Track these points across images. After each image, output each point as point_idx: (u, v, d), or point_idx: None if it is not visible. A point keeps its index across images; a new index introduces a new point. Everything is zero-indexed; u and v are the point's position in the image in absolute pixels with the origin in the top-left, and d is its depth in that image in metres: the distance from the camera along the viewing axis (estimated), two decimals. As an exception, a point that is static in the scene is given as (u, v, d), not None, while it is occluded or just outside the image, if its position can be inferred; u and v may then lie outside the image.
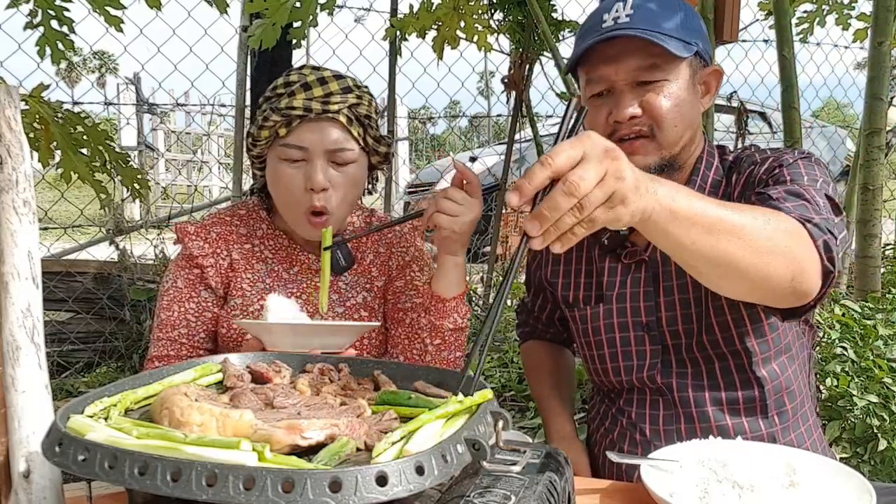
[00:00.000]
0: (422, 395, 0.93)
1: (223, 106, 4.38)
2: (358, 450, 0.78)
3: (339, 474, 0.63)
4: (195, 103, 6.60)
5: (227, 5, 2.32)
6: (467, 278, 4.69)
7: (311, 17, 2.24)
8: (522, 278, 1.77)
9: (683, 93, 1.28)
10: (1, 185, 0.81)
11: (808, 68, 5.46)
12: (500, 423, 0.81)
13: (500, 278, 4.41)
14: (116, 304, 3.60)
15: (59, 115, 2.19)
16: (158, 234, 4.05)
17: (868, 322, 2.54)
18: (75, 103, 3.64)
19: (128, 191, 2.42)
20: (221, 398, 0.90)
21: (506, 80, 3.58)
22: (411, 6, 2.89)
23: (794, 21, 3.18)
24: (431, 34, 2.94)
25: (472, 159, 6.29)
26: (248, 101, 3.19)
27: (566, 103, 0.90)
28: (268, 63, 2.86)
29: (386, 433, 0.83)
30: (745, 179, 1.31)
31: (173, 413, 0.79)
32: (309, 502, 0.61)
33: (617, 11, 1.26)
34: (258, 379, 1.00)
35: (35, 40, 2.14)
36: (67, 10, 2.13)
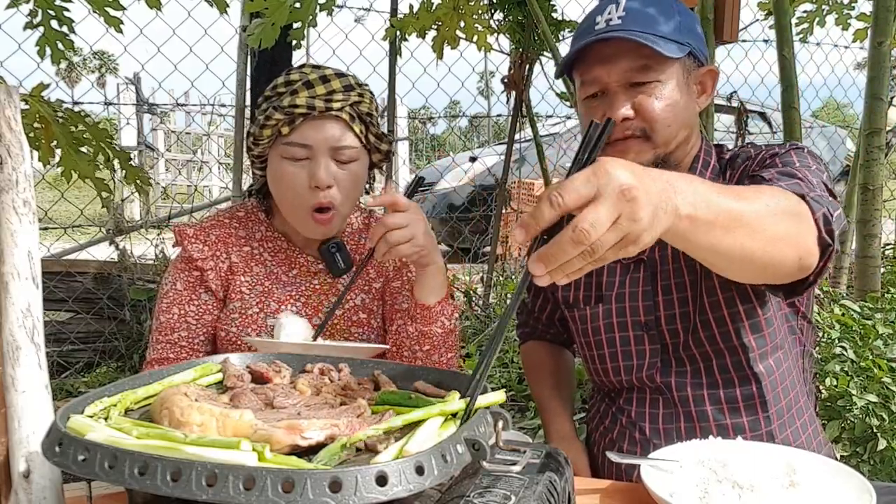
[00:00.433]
0: (422, 395, 0.93)
1: (223, 106, 4.38)
2: (358, 450, 0.78)
3: (339, 474, 0.63)
4: (195, 103, 6.60)
5: (227, 5, 2.32)
6: (467, 278, 4.65)
7: (310, 18, 2.24)
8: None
9: (676, 93, 1.28)
10: (1, 185, 0.81)
11: (808, 68, 5.47)
12: (500, 423, 0.81)
13: (500, 278, 4.41)
14: (116, 304, 3.60)
15: (60, 114, 2.19)
16: (158, 234, 4.05)
17: (867, 322, 2.54)
18: (75, 103, 3.64)
19: (130, 189, 2.42)
20: (221, 398, 0.90)
21: (506, 80, 3.58)
22: (411, 6, 2.89)
23: (794, 21, 3.18)
24: (431, 34, 2.94)
25: (472, 159, 6.29)
26: (248, 101, 3.19)
27: (588, 127, 0.86)
28: (268, 63, 2.86)
29: (386, 433, 0.83)
30: (739, 173, 1.32)
31: (173, 413, 0.79)
32: (309, 502, 0.61)
33: (609, 13, 1.27)
34: (258, 379, 1.00)
35: (35, 40, 2.14)
36: (67, 10, 2.13)
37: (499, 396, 0.85)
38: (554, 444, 1.46)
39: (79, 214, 3.95)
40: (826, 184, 1.19)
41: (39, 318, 0.82)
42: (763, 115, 7.23)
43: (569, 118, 5.37)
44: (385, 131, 1.43)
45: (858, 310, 2.62)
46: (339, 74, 1.37)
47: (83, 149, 2.23)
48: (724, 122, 5.05)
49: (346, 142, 1.35)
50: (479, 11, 2.95)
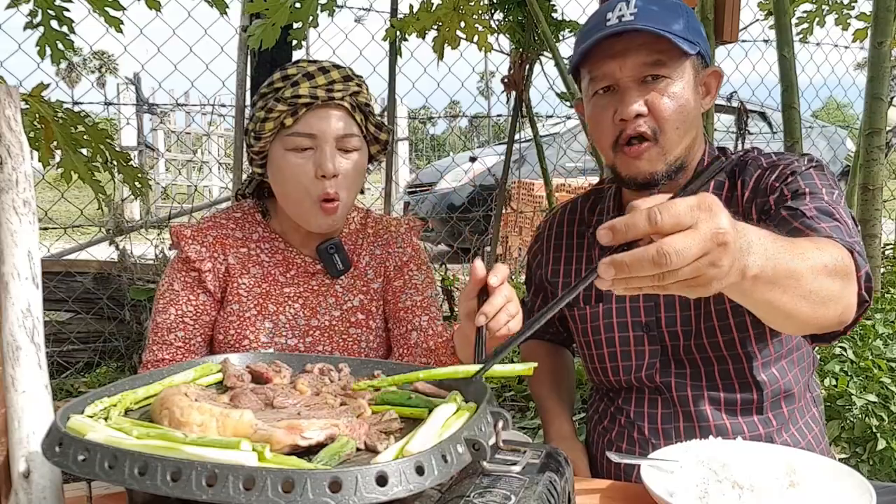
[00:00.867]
0: (422, 395, 0.93)
1: (223, 106, 4.38)
2: (358, 450, 0.78)
3: (339, 474, 0.63)
4: (195, 103, 6.60)
5: (227, 5, 2.32)
6: (467, 278, 4.65)
7: (311, 18, 2.24)
8: (522, 278, 1.77)
9: (686, 93, 1.28)
10: (1, 185, 0.81)
11: (808, 68, 5.47)
12: (500, 423, 0.81)
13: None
14: (116, 304, 3.60)
15: (60, 114, 2.19)
16: (158, 234, 4.05)
17: (867, 322, 2.54)
18: (75, 103, 3.64)
19: (129, 190, 2.42)
20: (221, 398, 0.90)
21: (506, 80, 3.58)
22: (411, 6, 2.89)
23: (794, 21, 3.18)
24: (431, 34, 2.94)
25: (472, 159, 6.29)
26: (248, 101, 3.18)
27: (711, 161, 0.83)
28: (268, 63, 2.86)
29: (386, 433, 0.83)
30: (753, 185, 1.30)
31: (173, 413, 0.79)
32: (309, 502, 0.61)
33: (621, 10, 1.26)
34: (258, 379, 1.00)
35: (35, 40, 2.14)
36: (67, 10, 2.13)
37: (526, 367, 0.90)
38: (554, 444, 1.45)
39: (79, 214, 3.95)
40: (845, 208, 1.21)
41: (39, 318, 0.82)
42: (763, 115, 7.24)
43: (569, 118, 5.38)
44: (383, 121, 1.44)
45: (858, 310, 2.62)
46: (337, 66, 1.39)
47: (83, 150, 2.23)
48: (723, 122, 5.05)
49: (349, 130, 1.36)
50: (480, 11, 2.95)
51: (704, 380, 1.33)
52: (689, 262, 0.73)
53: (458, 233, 5.34)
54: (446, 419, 0.81)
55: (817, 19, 3.40)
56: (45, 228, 4.01)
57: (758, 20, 4.35)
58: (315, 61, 1.39)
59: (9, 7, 2.17)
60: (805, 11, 3.41)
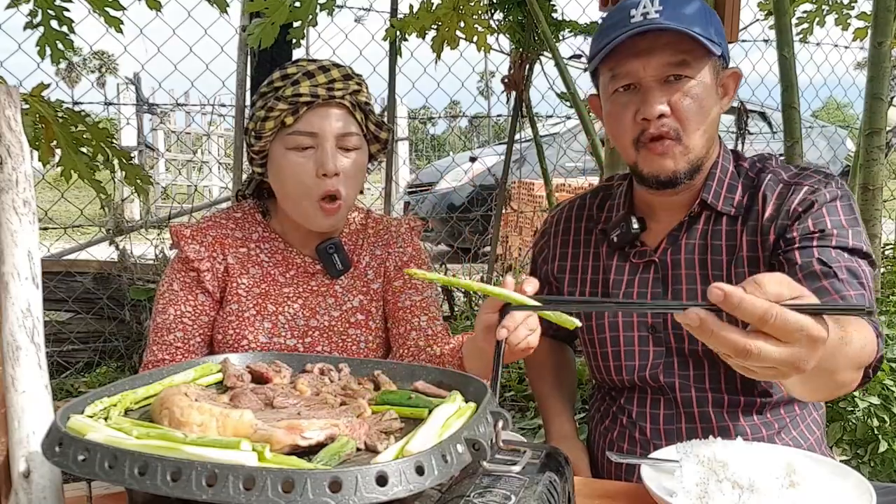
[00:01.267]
0: (422, 395, 0.93)
1: (223, 106, 4.38)
2: (358, 450, 0.78)
3: (339, 474, 0.63)
4: (195, 103, 6.60)
5: (227, 5, 2.32)
6: (467, 278, 4.67)
7: (310, 17, 2.24)
8: (523, 277, 1.76)
9: (708, 94, 1.27)
10: (1, 185, 0.81)
11: (808, 68, 5.47)
12: (500, 423, 0.81)
13: (500, 278, 4.41)
14: (116, 304, 3.60)
15: (60, 114, 2.19)
16: (158, 234, 4.05)
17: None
18: (75, 103, 3.64)
19: (130, 189, 2.42)
20: (221, 398, 0.90)
21: (506, 80, 3.58)
22: (411, 6, 2.89)
23: (794, 21, 3.18)
24: (431, 34, 2.94)
25: (472, 159, 6.29)
26: (248, 101, 3.18)
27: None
28: (268, 63, 2.86)
29: (386, 433, 0.83)
30: (774, 202, 1.28)
31: (173, 413, 0.79)
32: (309, 502, 0.61)
33: (645, 7, 1.24)
34: (258, 379, 1.00)
35: (35, 40, 2.14)
36: (67, 10, 2.13)
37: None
38: (554, 443, 1.45)
39: (79, 214, 3.95)
40: (867, 243, 1.23)
41: (39, 318, 0.82)
42: (763, 115, 7.24)
43: (569, 118, 5.38)
44: (383, 120, 1.45)
45: (859, 310, 2.62)
46: (336, 65, 1.39)
47: (83, 149, 2.22)
48: (724, 122, 5.05)
49: (350, 129, 1.36)
50: (479, 11, 2.95)
51: (709, 381, 1.33)
52: (768, 364, 0.76)
53: (458, 233, 5.34)
54: (446, 419, 0.81)
55: (817, 19, 3.40)
56: (45, 228, 4.01)
57: (758, 20, 4.35)
58: (315, 60, 1.39)
59: (9, 7, 2.17)
60: (805, 11, 3.41)
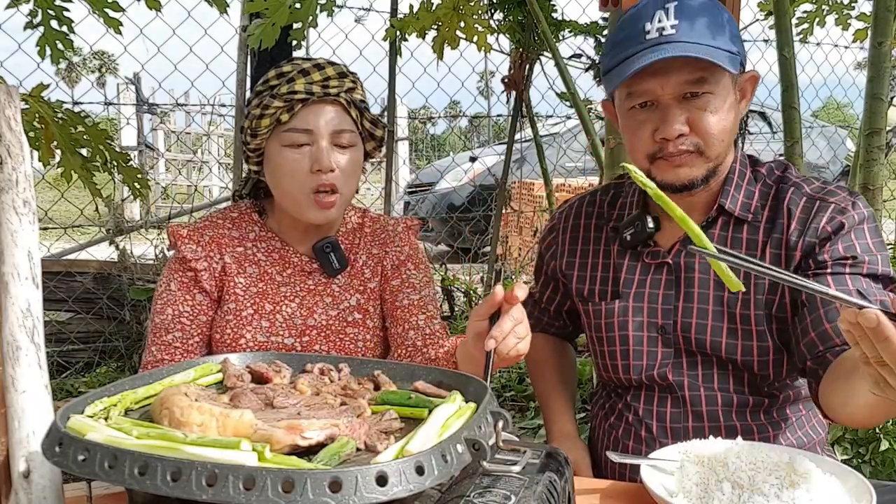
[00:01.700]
0: (422, 395, 0.93)
1: (223, 106, 4.38)
2: (358, 450, 0.78)
3: (339, 474, 0.63)
4: (195, 103, 6.60)
5: (227, 5, 2.32)
6: (467, 278, 4.65)
7: (311, 18, 2.24)
8: (523, 278, 1.75)
9: (727, 104, 1.25)
10: (1, 185, 0.81)
11: (808, 68, 5.46)
12: (500, 423, 0.81)
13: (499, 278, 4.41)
14: (116, 304, 3.60)
15: (60, 114, 2.18)
16: (158, 234, 4.05)
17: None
18: (75, 103, 3.64)
19: (128, 190, 2.42)
20: (221, 398, 0.90)
21: (506, 80, 3.58)
22: (411, 6, 2.89)
23: (794, 21, 3.17)
24: (431, 34, 2.94)
25: (472, 159, 6.29)
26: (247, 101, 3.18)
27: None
28: (268, 63, 2.85)
29: (386, 433, 0.83)
30: (799, 216, 1.27)
31: (173, 413, 0.79)
32: (309, 502, 0.62)
33: (660, 21, 1.21)
34: (258, 379, 1.00)
35: (35, 40, 2.14)
36: (67, 10, 2.13)
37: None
38: (556, 443, 1.45)
39: (79, 214, 3.95)
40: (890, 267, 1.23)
41: (39, 318, 0.82)
42: (763, 115, 7.24)
43: (569, 118, 5.38)
44: (378, 118, 1.45)
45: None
46: (331, 63, 1.40)
47: (83, 150, 2.22)
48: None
49: (345, 126, 1.37)
50: (479, 11, 2.95)
51: (717, 381, 1.32)
52: None
53: (458, 233, 5.34)
54: (446, 419, 0.81)
55: (817, 19, 3.40)
56: (45, 228, 4.01)
57: (758, 20, 4.35)
58: (310, 58, 1.40)
59: (9, 7, 2.17)
60: (805, 11, 3.41)
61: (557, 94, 3.81)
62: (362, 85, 1.43)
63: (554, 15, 3.25)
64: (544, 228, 1.60)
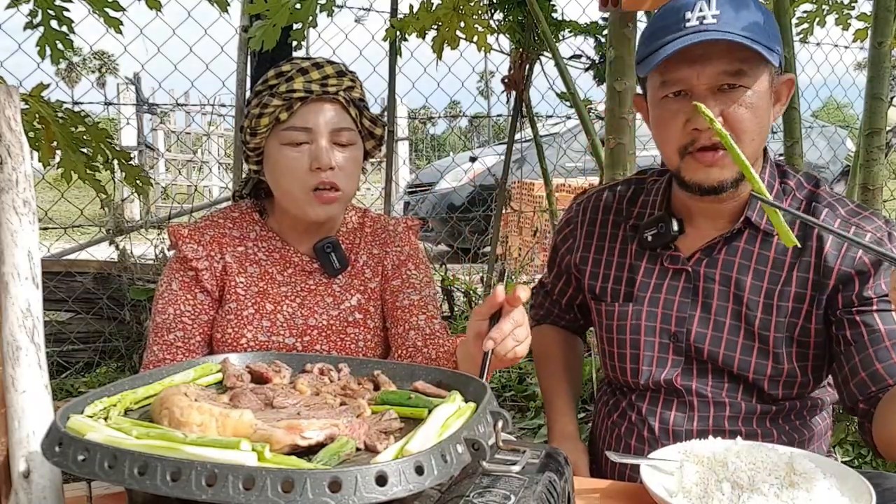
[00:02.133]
0: (422, 395, 0.93)
1: (223, 106, 4.38)
2: (358, 450, 0.78)
3: (339, 474, 0.63)
4: (195, 103, 6.60)
5: (228, 5, 2.32)
6: (467, 278, 4.64)
7: (311, 18, 2.24)
8: (523, 277, 1.75)
9: (762, 102, 1.21)
10: (1, 185, 0.81)
11: (808, 68, 5.46)
12: (500, 423, 0.81)
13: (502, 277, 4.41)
14: (116, 304, 3.60)
15: (60, 114, 2.19)
16: (158, 234, 4.05)
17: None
18: (75, 103, 3.64)
19: (130, 189, 2.42)
20: (221, 398, 0.90)
21: (506, 80, 3.59)
22: (411, 6, 2.89)
23: (794, 21, 3.17)
24: (431, 34, 2.94)
25: (472, 159, 6.29)
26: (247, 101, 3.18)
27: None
28: (268, 63, 2.85)
29: (386, 433, 0.83)
30: (834, 244, 1.23)
31: (173, 413, 0.79)
32: (309, 502, 0.62)
33: (701, 10, 1.17)
34: (258, 379, 1.00)
35: (35, 40, 2.14)
36: (67, 10, 2.13)
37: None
38: (556, 443, 1.44)
39: (79, 214, 3.95)
40: None
41: (39, 318, 0.82)
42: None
43: (569, 118, 5.38)
44: (377, 116, 1.45)
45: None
46: (330, 61, 1.40)
47: (84, 149, 2.22)
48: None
49: (344, 124, 1.37)
50: (479, 11, 2.95)
51: (726, 391, 1.30)
52: None
53: (458, 233, 5.34)
54: (446, 419, 0.81)
55: (817, 19, 3.40)
56: (45, 228, 4.01)
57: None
58: (309, 58, 1.41)
59: (9, 7, 2.17)
60: (805, 11, 3.41)
61: (557, 94, 3.81)
62: (361, 84, 1.44)
63: (554, 15, 3.25)
64: (561, 219, 1.55)
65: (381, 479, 0.64)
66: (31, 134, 2.15)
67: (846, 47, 5.36)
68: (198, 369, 1.00)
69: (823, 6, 3.36)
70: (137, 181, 2.36)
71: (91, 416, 0.81)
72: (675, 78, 1.21)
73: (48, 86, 2.16)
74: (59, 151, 2.20)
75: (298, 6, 2.19)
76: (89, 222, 4.03)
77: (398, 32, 2.95)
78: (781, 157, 2.60)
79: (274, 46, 2.24)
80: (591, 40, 3.37)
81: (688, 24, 1.18)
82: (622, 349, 1.38)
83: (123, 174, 2.36)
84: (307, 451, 0.76)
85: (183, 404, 0.80)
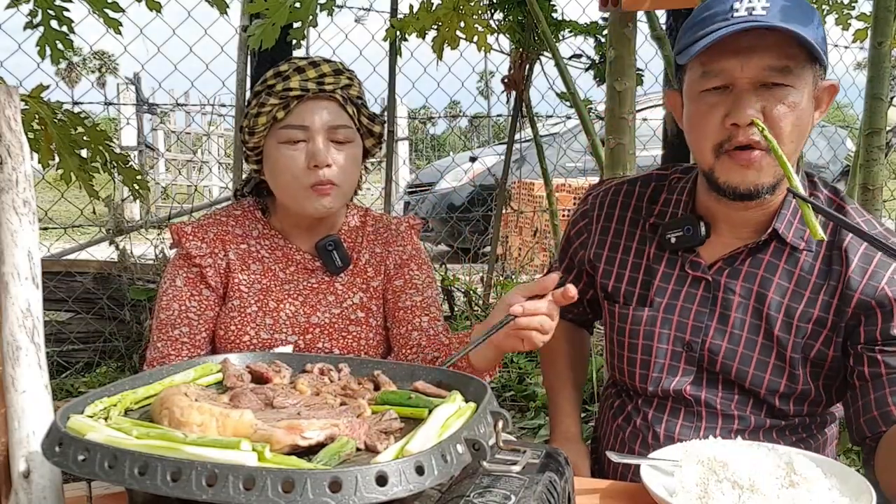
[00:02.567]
0: (422, 395, 0.93)
1: (223, 106, 4.38)
2: (358, 450, 0.78)
3: (339, 474, 0.63)
4: (195, 103, 6.60)
5: (227, 5, 2.32)
6: (467, 278, 4.64)
7: (311, 18, 2.24)
8: (523, 278, 1.74)
9: (805, 104, 1.16)
10: (1, 185, 0.81)
11: (808, 68, 5.46)
12: (500, 423, 0.81)
13: (500, 278, 4.41)
14: (116, 304, 3.60)
15: (59, 115, 2.18)
16: (158, 234, 4.05)
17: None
18: (75, 103, 3.64)
19: (128, 191, 2.42)
20: (221, 398, 0.90)
21: (506, 80, 3.59)
22: (411, 6, 2.89)
23: (793, 21, 3.17)
24: (431, 34, 2.94)
25: (472, 159, 6.29)
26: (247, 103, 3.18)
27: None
28: (268, 63, 2.85)
29: (386, 433, 0.83)
30: (858, 268, 1.19)
31: (173, 413, 0.79)
32: (309, 502, 0.62)
33: (751, 1, 1.12)
34: (258, 379, 1.00)
35: (35, 40, 2.14)
36: (67, 10, 2.13)
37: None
38: (558, 443, 1.42)
39: (79, 214, 3.95)
40: None
41: (39, 318, 0.82)
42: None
43: (569, 118, 5.38)
44: (376, 113, 1.45)
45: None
46: (327, 60, 1.41)
47: (82, 151, 2.22)
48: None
49: (340, 121, 1.37)
50: (479, 11, 2.95)
51: (735, 403, 1.28)
52: None
53: (458, 233, 5.34)
54: (446, 419, 0.81)
55: (817, 19, 3.39)
56: (45, 228, 4.01)
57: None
58: (307, 57, 1.42)
59: (9, 7, 2.17)
60: (805, 11, 3.41)
61: (557, 94, 3.81)
62: (360, 82, 1.44)
63: (554, 15, 3.25)
64: (575, 210, 1.48)
65: (382, 480, 0.64)
66: (31, 135, 2.15)
67: (846, 47, 5.36)
68: (198, 369, 1.01)
69: (823, 6, 3.36)
70: (135, 184, 2.36)
71: (91, 416, 0.81)
72: (718, 69, 1.15)
73: (48, 86, 2.16)
74: (57, 153, 2.20)
75: (298, 5, 2.19)
76: (89, 222, 4.03)
77: (398, 32, 2.95)
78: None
79: (273, 46, 2.24)
80: (591, 40, 3.37)
81: (735, 15, 1.12)
82: (633, 353, 1.34)
83: (122, 177, 2.37)
84: (307, 452, 0.76)
85: (183, 404, 0.80)
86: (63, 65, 2.38)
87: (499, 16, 3.31)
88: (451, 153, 9.95)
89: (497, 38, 3.36)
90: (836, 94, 1.25)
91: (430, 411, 0.84)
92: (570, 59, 3.36)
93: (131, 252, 3.72)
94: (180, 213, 4.81)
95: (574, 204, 5.61)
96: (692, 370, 1.30)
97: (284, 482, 0.62)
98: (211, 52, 3.68)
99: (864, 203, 2.89)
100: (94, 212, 3.14)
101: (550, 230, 4.10)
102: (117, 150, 2.33)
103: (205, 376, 1.01)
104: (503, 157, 3.94)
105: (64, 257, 4.01)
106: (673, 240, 1.29)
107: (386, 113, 3.50)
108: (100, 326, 3.58)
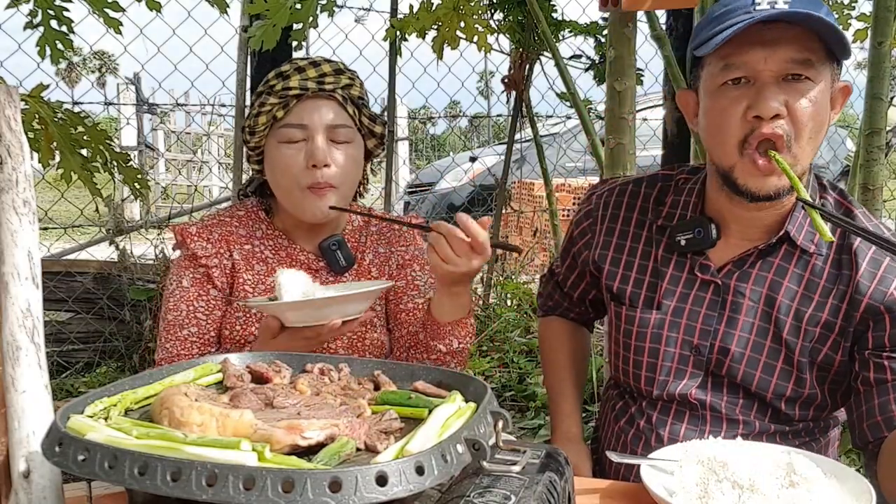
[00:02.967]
0: (422, 395, 0.93)
1: (223, 106, 4.38)
2: (358, 450, 0.78)
3: (339, 474, 0.63)
4: (195, 103, 6.60)
5: (228, 5, 2.32)
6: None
7: (311, 19, 2.24)
8: (523, 277, 1.74)
9: (824, 101, 1.15)
10: (1, 185, 0.81)
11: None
12: (500, 423, 0.81)
13: (500, 278, 4.41)
14: (116, 304, 3.60)
15: (59, 115, 2.19)
16: (158, 234, 4.05)
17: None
18: (75, 103, 3.64)
19: (128, 190, 2.42)
20: (221, 398, 0.90)
21: (506, 80, 3.59)
22: (411, 6, 2.89)
23: (794, 21, 3.17)
24: (431, 34, 2.94)
25: (472, 159, 6.29)
26: (248, 101, 3.18)
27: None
28: (268, 63, 2.86)
29: (386, 433, 0.83)
30: (867, 273, 1.19)
31: (173, 413, 0.79)
32: (309, 502, 0.62)
33: None
34: (258, 379, 1.00)
35: (35, 40, 2.14)
36: (67, 10, 2.13)
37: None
38: (559, 444, 1.42)
39: (79, 214, 3.95)
40: None
41: (39, 318, 0.82)
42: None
43: (569, 118, 5.38)
44: (377, 113, 1.45)
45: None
46: (328, 60, 1.41)
47: (83, 151, 2.22)
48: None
49: (340, 121, 1.37)
50: (479, 11, 2.95)
51: (740, 407, 1.27)
52: None
53: (458, 233, 5.33)
54: (446, 419, 0.81)
55: (817, 19, 3.39)
56: (45, 228, 4.01)
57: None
58: (308, 58, 1.42)
59: (9, 7, 2.17)
60: (805, 11, 3.41)
61: (557, 94, 3.81)
62: (362, 82, 1.44)
63: (554, 15, 3.25)
64: (579, 210, 1.46)
65: (382, 480, 0.64)
66: (31, 134, 2.15)
67: (846, 47, 5.35)
68: (198, 369, 1.00)
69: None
70: (136, 183, 2.36)
71: (91, 416, 0.81)
72: (740, 61, 1.14)
73: (48, 86, 2.16)
74: (57, 152, 2.20)
75: (299, 6, 2.19)
76: (89, 222, 4.03)
77: (398, 32, 2.95)
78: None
79: (274, 46, 2.24)
80: (591, 40, 3.37)
81: (758, 7, 1.11)
82: (639, 356, 1.32)
83: (122, 176, 2.36)
84: (307, 452, 0.76)
85: (183, 404, 0.80)
86: (63, 65, 2.38)
87: (499, 16, 3.31)
88: (451, 153, 9.95)
89: (497, 38, 3.36)
90: (850, 96, 1.24)
91: (430, 411, 0.84)
92: (570, 59, 3.36)
93: (131, 252, 3.72)
94: (180, 213, 4.81)
95: (574, 204, 5.61)
96: (699, 374, 1.29)
97: (284, 482, 0.62)
98: (211, 52, 3.68)
99: (863, 203, 2.89)
100: (95, 211, 3.14)
101: (550, 230, 4.10)
102: (117, 150, 2.34)
103: (205, 376, 1.01)
104: (503, 157, 3.94)
105: (64, 257, 4.01)
106: (683, 242, 1.28)
107: (386, 113, 3.50)
108: (100, 326, 3.58)
